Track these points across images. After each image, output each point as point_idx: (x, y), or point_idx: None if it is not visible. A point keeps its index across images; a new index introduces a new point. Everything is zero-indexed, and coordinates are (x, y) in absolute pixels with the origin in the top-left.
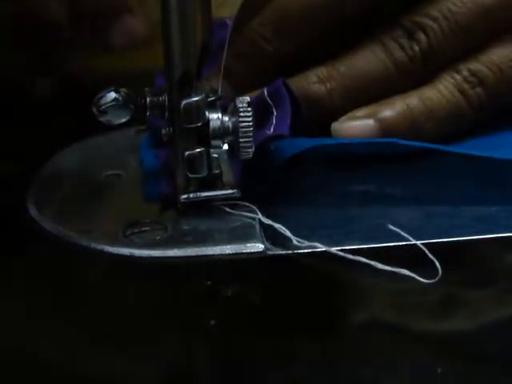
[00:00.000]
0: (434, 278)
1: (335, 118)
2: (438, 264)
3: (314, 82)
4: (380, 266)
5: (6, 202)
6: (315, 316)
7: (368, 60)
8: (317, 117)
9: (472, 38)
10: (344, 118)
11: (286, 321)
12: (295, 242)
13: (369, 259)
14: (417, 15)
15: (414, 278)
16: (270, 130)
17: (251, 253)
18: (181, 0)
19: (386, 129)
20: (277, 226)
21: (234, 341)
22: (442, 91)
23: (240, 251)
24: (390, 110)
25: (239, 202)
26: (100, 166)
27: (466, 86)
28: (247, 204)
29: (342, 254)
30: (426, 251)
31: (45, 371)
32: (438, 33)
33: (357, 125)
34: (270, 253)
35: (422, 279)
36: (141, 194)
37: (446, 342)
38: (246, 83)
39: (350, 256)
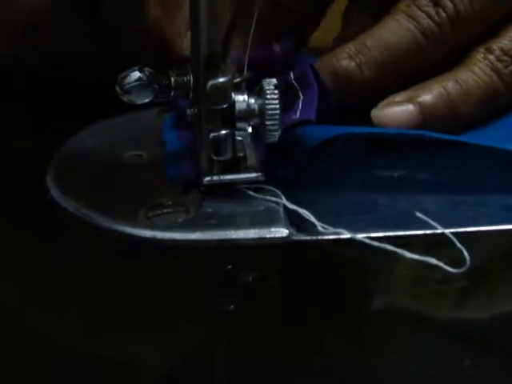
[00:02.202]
0: (461, 265)
1: (368, 94)
2: (466, 254)
3: (344, 57)
4: (407, 254)
5: (27, 182)
6: (338, 304)
7: (395, 31)
8: (349, 94)
9: (498, 4)
10: (382, 104)
11: (308, 308)
12: (320, 228)
13: (395, 247)
14: None
15: (440, 267)
16: (296, 114)
17: (275, 238)
18: None
19: (426, 113)
20: (301, 211)
21: (253, 327)
22: (477, 72)
23: (264, 236)
24: (429, 94)
25: (263, 186)
26: (122, 146)
27: (499, 65)
28: (271, 188)
29: (367, 241)
30: (455, 240)
31: (64, 351)
32: None
33: (396, 110)
34: (294, 238)
35: (449, 268)
36: (163, 175)
37: (471, 331)
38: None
39: (375, 243)
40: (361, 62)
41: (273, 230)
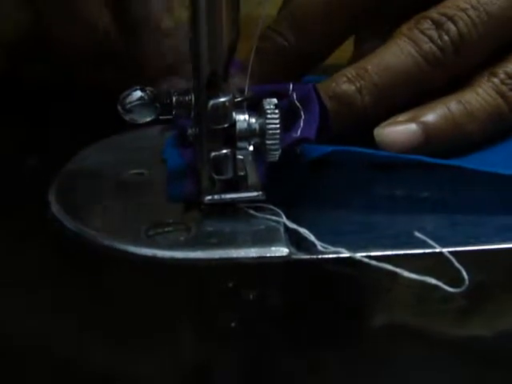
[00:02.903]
0: (459, 285)
1: (369, 119)
2: (464, 273)
3: (344, 81)
4: (406, 273)
5: (29, 199)
6: (338, 322)
7: (396, 55)
8: (350, 118)
9: (503, 29)
10: (385, 123)
11: (308, 326)
12: (320, 248)
13: (394, 266)
14: (444, 7)
15: (439, 286)
16: (296, 133)
17: (275, 257)
18: (209, 0)
19: (429, 132)
20: (301, 230)
21: (254, 344)
22: (481, 94)
23: (264, 255)
24: (432, 114)
25: (264, 205)
26: (124, 164)
27: (504, 88)
28: (272, 207)
29: (366, 260)
30: (453, 260)
31: (63, 369)
32: (468, 22)
33: (399, 129)
34: (294, 257)
35: (448, 288)
36: (164, 193)
37: (469, 349)
38: (265, 78)
39: (374, 263)
40: (361, 87)
41: (273, 248)
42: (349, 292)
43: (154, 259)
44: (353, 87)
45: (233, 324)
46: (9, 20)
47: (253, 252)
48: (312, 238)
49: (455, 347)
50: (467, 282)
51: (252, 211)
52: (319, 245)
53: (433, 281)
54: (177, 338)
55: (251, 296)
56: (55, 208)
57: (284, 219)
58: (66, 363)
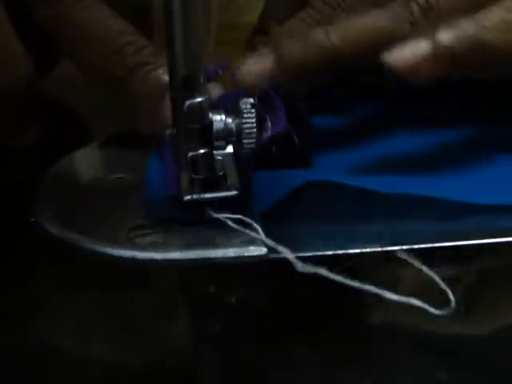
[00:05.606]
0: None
1: (337, 64)
2: (450, 295)
3: (313, 28)
4: (388, 295)
5: (12, 204)
6: (320, 321)
7: (365, 13)
8: (319, 60)
9: None
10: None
11: (286, 325)
12: (299, 268)
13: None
14: None
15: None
16: (267, 132)
17: (254, 256)
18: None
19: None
20: (280, 248)
21: (233, 344)
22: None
23: (243, 254)
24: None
25: (244, 219)
26: (105, 169)
27: None
28: (250, 221)
29: (349, 282)
30: (439, 281)
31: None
32: None
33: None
34: (272, 256)
35: (433, 310)
36: (144, 195)
37: (453, 347)
38: None
39: (356, 284)
40: (328, 30)
41: (251, 248)
42: (328, 291)
43: (133, 261)
44: (321, 30)
45: (212, 324)
46: None
47: (231, 252)
48: (290, 256)
49: (439, 346)
50: (454, 304)
51: (230, 223)
52: (299, 264)
53: (418, 303)
54: (158, 340)
55: (230, 296)
56: (38, 213)
57: (262, 236)
58: (46, 366)
